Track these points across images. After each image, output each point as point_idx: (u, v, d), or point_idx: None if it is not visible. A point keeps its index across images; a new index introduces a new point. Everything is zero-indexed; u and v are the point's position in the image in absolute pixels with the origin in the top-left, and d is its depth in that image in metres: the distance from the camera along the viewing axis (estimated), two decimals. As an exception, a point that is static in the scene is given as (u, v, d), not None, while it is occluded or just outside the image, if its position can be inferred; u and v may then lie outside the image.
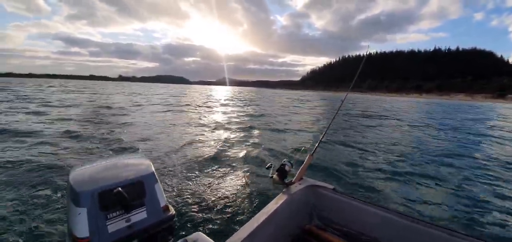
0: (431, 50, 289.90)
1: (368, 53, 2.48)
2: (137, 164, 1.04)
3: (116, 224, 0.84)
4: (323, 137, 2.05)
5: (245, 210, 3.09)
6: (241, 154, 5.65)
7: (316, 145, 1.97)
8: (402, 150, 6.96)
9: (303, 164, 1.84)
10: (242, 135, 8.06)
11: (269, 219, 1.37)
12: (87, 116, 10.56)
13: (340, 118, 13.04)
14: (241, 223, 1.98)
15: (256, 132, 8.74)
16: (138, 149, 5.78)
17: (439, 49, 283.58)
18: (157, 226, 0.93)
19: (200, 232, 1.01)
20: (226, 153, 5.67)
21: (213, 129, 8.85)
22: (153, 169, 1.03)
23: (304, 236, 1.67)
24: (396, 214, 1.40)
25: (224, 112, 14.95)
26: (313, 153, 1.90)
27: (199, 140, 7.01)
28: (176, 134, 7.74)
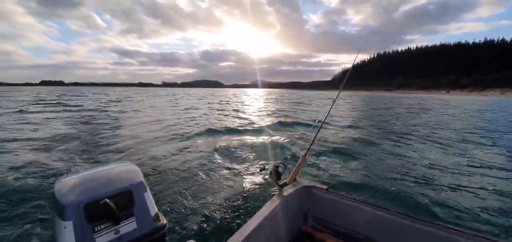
0: (481, 41, 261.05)
1: (357, 55, 2.49)
2: (125, 172, 1.02)
3: (104, 237, 0.82)
4: (315, 137, 2.02)
5: (240, 214, 3.01)
6: (235, 157, 5.51)
7: (309, 145, 1.96)
8: (397, 147, 6.92)
9: (296, 165, 1.83)
10: (235, 138, 7.95)
11: (263, 222, 1.36)
12: (81, 122, 10.48)
13: (332, 117, 13.14)
14: (236, 227, 1.94)
15: (249, 134, 8.58)
16: (126, 156, 5.59)
17: (491, 40, 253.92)
18: (148, 236, 0.92)
19: (193, 240, 1.01)
20: (219, 156, 5.49)
21: (206, 133, 8.64)
22: (142, 177, 1.02)
23: (299, 238, 1.67)
24: (390, 212, 1.41)
25: (222, 115, 14.57)
26: (306, 153, 1.89)
27: (190, 144, 6.89)
28: (167, 139, 7.58)
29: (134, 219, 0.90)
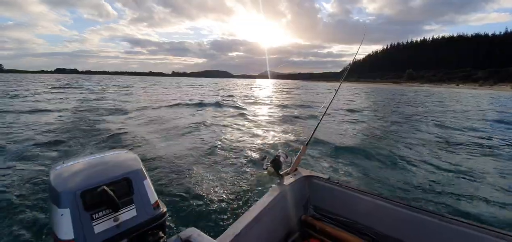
0: (501, 33, 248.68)
1: (359, 49, 2.58)
2: (123, 159, 1.02)
3: (103, 224, 0.82)
4: (317, 127, 2.04)
5: (240, 203, 3.03)
6: (235, 146, 5.50)
7: (311, 135, 1.98)
8: (397, 138, 6.85)
9: (297, 155, 1.85)
10: (235, 126, 7.88)
11: (264, 211, 1.39)
12: (78, 110, 10.23)
13: (333, 108, 12.89)
14: (236, 216, 1.96)
15: (250, 123, 8.52)
16: (124, 144, 5.53)
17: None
18: (148, 223, 0.92)
19: (194, 228, 1.01)
20: (219, 145, 5.52)
21: (205, 121, 8.54)
22: (141, 164, 1.01)
23: (299, 227, 1.71)
24: (390, 201, 1.44)
25: (220, 104, 14.59)
26: (308, 143, 1.91)
27: (190, 132, 6.82)
28: (166, 126, 7.43)
29: (134, 206, 0.90)
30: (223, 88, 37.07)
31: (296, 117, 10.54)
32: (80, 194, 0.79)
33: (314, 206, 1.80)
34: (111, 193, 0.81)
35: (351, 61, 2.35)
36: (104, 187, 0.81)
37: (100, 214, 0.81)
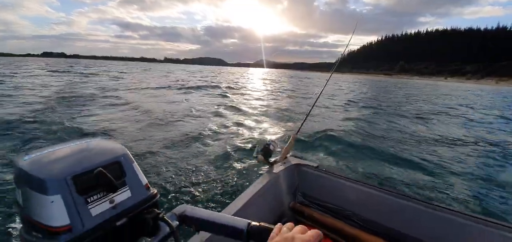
0: (493, 27, 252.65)
1: (351, 39, 2.49)
2: (108, 145, 0.98)
3: (99, 207, 0.80)
4: (307, 116, 2.07)
5: (230, 191, 3.04)
6: (225, 134, 5.44)
7: (301, 124, 2.01)
8: (385, 128, 7.03)
9: (287, 143, 1.88)
10: (225, 115, 7.82)
11: (253, 199, 1.41)
12: (52, 98, 9.57)
13: (323, 98, 12.93)
14: (226, 204, 1.90)
15: (240, 112, 8.51)
16: (107, 132, 5.41)
17: (504, 28, 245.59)
18: (143, 203, 0.91)
19: (185, 204, 1.01)
20: (208, 133, 5.43)
21: (193, 108, 8.42)
22: (127, 149, 0.98)
23: (288, 213, 1.76)
24: (376, 188, 1.50)
25: (209, 92, 14.54)
26: (298, 132, 1.94)
27: (177, 119, 6.72)
28: (151, 113, 7.31)
29: (128, 188, 0.89)
30: (215, 77, 36.61)
31: (287, 107, 10.55)
32: (71, 178, 0.78)
33: (302, 193, 1.84)
34: (109, 175, 0.81)
35: (343, 53, 2.45)
36: (101, 168, 0.81)
37: (95, 197, 0.80)
